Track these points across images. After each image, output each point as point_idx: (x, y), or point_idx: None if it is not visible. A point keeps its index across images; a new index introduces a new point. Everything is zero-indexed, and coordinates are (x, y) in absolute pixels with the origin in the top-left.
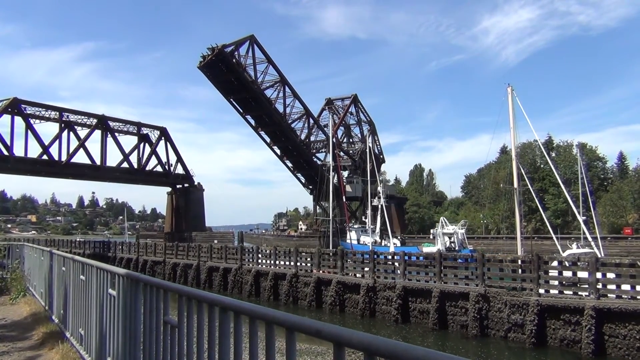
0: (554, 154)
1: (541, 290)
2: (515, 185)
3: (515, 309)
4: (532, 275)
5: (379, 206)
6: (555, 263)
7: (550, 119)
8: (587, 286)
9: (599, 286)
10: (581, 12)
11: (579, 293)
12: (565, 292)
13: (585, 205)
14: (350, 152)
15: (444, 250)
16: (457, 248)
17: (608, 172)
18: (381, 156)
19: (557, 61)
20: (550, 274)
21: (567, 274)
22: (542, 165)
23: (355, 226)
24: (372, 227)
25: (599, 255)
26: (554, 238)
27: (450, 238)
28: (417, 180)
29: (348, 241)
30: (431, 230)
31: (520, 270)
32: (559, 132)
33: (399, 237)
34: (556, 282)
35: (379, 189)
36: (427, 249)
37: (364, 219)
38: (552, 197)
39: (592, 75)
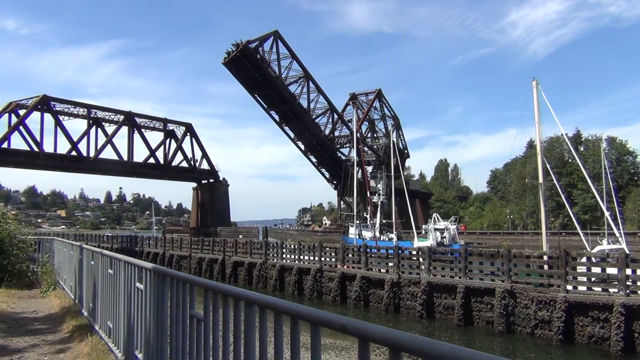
0: (582, 148)
1: (569, 287)
2: (541, 180)
3: (542, 305)
4: (560, 271)
5: (379, 202)
6: (583, 259)
7: (580, 113)
8: (616, 283)
9: (629, 283)
10: (612, 2)
11: (608, 290)
12: (594, 288)
13: (610, 200)
14: (375, 147)
15: (434, 245)
16: (447, 243)
17: (638, 167)
18: (405, 151)
19: (587, 54)
20: (578, 270)
21: (596, 270)
22: (570, 160)
23: (357, 221)
24: (372, 222)
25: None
26: (581, 234)
27: (442, 233)
28: (442, 175)
29: (350, 236)
30: (423, 226)
31: (547, 267)
32: (589, 126)
33: (395, 232)
34: (584, 279)
35: (379, 186)
36: (420, 243)
37: (365, 215)
38: (580, 192)
39: (623, 67)
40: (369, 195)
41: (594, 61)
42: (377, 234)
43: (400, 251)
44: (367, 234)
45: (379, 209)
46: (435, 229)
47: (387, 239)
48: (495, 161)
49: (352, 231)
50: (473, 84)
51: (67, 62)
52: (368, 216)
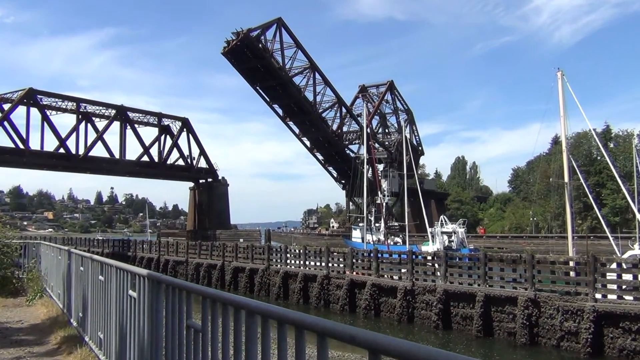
0: (612, 145)
1: (598, 295)
2: (567, 179)
3: (568, 315)
4: (588, 278)
5: (383, 204)
6: (614, 265)
7: (610, 106)
8: None
9: None
10: None
11: None
12: (625, 297)
13: None
14: (386, 143)
15: (441, 249)
16: (455, 247)
17: None
18: (420, 148)
19: (617, 42)
20: (608, 278)
21: (627, 277)
22: (598, 157)
23: (360, 224)
24: (377, 225)
25: None
26: (610, 237)
27: (449, 237)
28: (459, 174)
29: (354, 240)
30: (429, 229)
31: (574, 273)
32: (619, 120)
33: (400, 236)
34: (615, 287)
35: (384, 186)
36: (426, 247)
37: (370, 217)
38: (610, 192)
39: None
40: (379, 195)
41: (625, 50)
42: (382, 237)
43: (414, 256)
44: (370, 238)
45: (383, 210)
46: (443, 232)
47: (392, 243)
48: (517, 159)
49: (356, 234)
50: (493, 75)
51: (55, 53)
52: (372, 218)
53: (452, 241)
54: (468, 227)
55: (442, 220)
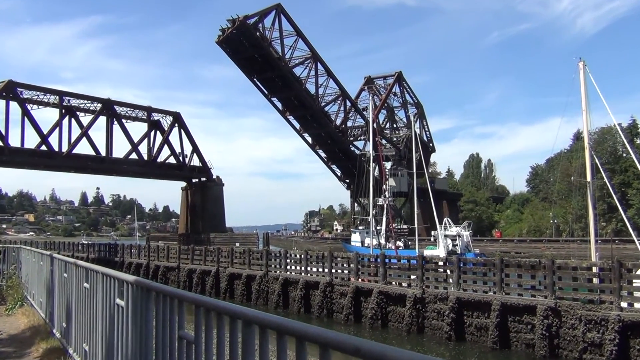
0: (638, 141)
1: (623, 304)
2: (589, 178)
3: (591, 325)
4: (613, 285)
5: (385, 206)
6: None
7: (637, 99)
8: None
9: None
10: None
11: None
12: None
13: None
14: (394, 139)
15: (445, 253)
16: (460, 252)
17: None
18: (430, 144)
19: None
20: (634, 285)
21: None
22: (624, 155)
23: (360, 227)
24: (378, 228)
25: None
26: (636, 241)
27: (453, 241)
28: (473, 172)
29: (353, 244)
30: (432, 232)
31: (597, 280)
32: None
33: (401, 240)
34: None
35: (385, 186)
36: (429, 252)
37: (371, 220)
38: (636, 192)
39: None
40: (386, 196)
41: None
42: (383, 241)
43: (424, 261)
44: (370, 241)
45: (385, 212)
46: (446, 236)
47: (393, 247)
48: (536, 156)
49: (355, 238)
50: (510, 65)
51: (37, 42)
52: (372, 221)
53: (457, 245)
54: (483, 230)
55: (445, 223)
